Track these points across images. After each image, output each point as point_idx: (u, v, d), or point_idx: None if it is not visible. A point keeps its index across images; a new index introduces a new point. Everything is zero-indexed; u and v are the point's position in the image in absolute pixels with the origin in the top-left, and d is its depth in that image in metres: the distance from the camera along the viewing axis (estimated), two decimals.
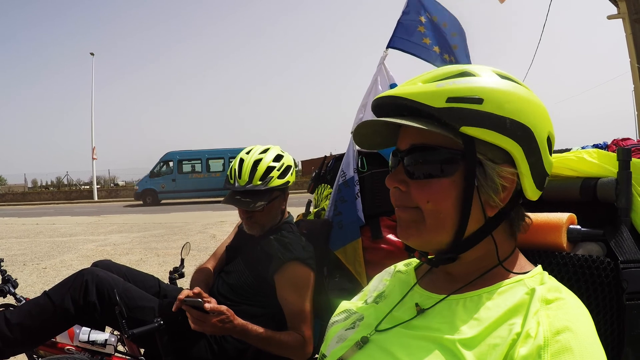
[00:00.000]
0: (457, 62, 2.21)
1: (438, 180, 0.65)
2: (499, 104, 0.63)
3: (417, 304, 0.69)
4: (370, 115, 1.99)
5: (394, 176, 0.69)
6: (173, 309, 1.39)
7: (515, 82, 0.67)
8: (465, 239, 0.66)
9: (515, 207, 0.68)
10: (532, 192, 0.67)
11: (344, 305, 0.84)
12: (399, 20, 2.21)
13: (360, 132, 0.73)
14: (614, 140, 1.49)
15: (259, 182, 1.64)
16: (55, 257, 6.66)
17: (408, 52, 2.18)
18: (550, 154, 0.69)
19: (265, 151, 1.72)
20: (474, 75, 0.65)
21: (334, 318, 0.82)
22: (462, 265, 0.69)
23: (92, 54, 28.60)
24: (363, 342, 0.69)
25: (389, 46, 2.16)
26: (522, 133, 0.63)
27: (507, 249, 0.69)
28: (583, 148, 1.17)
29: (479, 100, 0.62)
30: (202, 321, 1.35)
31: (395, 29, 2.19)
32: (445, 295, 0.67)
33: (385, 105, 0.70)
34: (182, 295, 1.36)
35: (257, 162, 1.67)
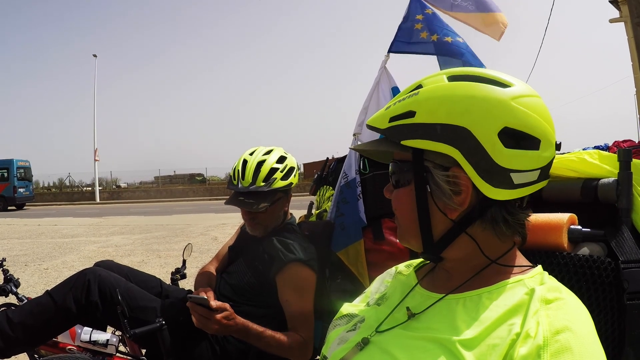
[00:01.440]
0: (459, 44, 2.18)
1: (401, 190, 0.73)
2: (430, 112, 0.66)
3: (408, 308, 0.70)
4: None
5: (386, 186, 0.77)
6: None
7: (471, 78, 0.67)
8: (438, 240, 0.69)
9: (493, 207, 0.66)
10: (488, 191, 0.64)
11: (346, 308, 0.85)
12: (399, 25, 2.22)
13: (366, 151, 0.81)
14: (615, 141, 1.49)
15: (263, 184, 1.64)
16: (57, 258, 6.67)
17: (409, 53, 2.19)
18: (519, 147, 0.64)
19: (268, 152, 1.72)
20: (422, 87, 0.70)
21: (335, 321, 0.83)
22: (452, 263, 0.71)
23: (94, 55, 28.71)
24: (364, 343, 0.69)
25: (390, 51, 2.17)
26: (454, 135, 0.64)
27: (498, 249, 0.68)
28: (584, 149, 1.17)
29: (412, 114, 0.67)
30: (206, 318, 1.35)
31: (396, 34, 2.20)
32: (444, 294, 0.68)
33: None
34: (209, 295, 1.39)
35: (260, 164, 1.67)
